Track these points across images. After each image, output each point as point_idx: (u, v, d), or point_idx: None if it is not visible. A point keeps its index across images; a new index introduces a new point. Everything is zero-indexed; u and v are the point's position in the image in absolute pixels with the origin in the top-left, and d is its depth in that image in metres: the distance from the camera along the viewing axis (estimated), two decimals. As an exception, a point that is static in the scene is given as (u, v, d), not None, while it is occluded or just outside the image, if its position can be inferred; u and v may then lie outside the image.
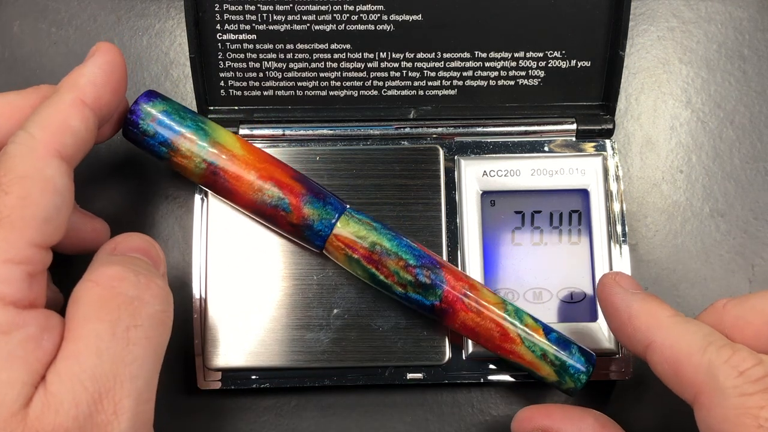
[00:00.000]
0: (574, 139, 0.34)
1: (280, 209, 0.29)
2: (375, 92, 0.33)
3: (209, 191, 0.31)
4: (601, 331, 0.31)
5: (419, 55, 0.33)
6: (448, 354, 0.31)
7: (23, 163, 0.24)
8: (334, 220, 0.29)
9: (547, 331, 0.29)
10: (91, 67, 0.27)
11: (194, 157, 0.29)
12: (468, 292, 0.29)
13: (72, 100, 0.26)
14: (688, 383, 0.24)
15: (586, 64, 0.33)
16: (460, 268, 0.32)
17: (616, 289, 0.27)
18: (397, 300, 0.30)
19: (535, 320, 0.30)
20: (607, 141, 0.34)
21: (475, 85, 0.33)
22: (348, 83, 0.33)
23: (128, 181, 0.34)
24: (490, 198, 0.33)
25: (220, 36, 0.32)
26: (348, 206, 0.30)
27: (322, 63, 0.33)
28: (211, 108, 0.33)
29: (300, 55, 0.33)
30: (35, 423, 0.22)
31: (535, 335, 0.29)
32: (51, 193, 0.24)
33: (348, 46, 0.33)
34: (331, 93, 0.33)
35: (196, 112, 0.30)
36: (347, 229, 0.29)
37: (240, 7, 0.32)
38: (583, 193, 0.33)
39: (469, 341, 0.31)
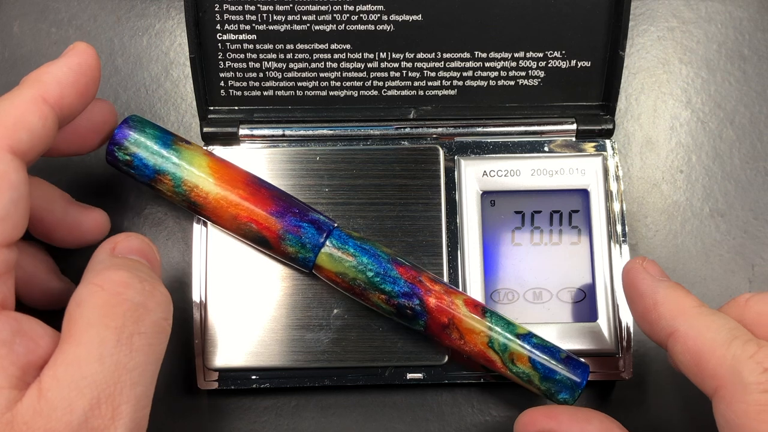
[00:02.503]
0: (574, 139, 0.34)
1: (263, 244, 0.30)
2: (375, 92, 0.33)
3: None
4: (601, 331, 0.31)
5: (419, 55, 0.33)
6: (448, 354, 0.31)
7: None
8: (312, 257, 0.30)
9: (534, 356, 0.29)
10: (60, 66, 0.27)
11: (174, 195, 0.30)
12: (452, 320, 0.29)
13: (32, 96, 0.25)
14: (710, 376, 0.24)
15: (586, 64, 0.33)
16: (460, 269, 0.32)
17: (643, 274, 0.27)
18: None
19: (522, 341, 0.29)
20: (607, 141, 0.34)
21: (475, 85, 0.33)
22: (348, 83, 0.33)
23: (127, 180, 0.34)
24: (490, 198, 0.33)
25: (220, 36, 0.32)
26: (335, 225, 0.30)
27: (322, 63, 0.33)
28: (211, 108, 0.33)
29: (300, 55, 0.33)
30: (23, 427, 0.21)
31: (519, 365, 0.29)
32: (6, 189, 0.24)
33: (348, 46, 0.33)
34: (331, 93, 0.33)
35: (170, 141, 0.30)
36: (327, 265, 0.30)
37: (240, 7, 0.32)
38: (583, 193, 0.33)
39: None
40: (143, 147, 0.30)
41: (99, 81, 0.28)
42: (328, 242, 0.30)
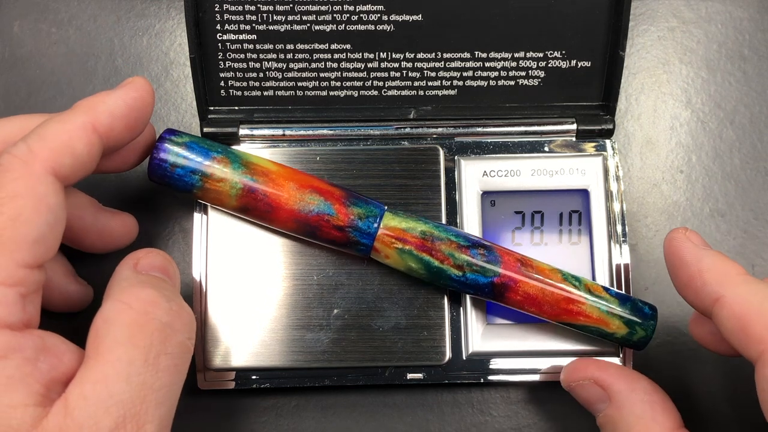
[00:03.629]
0: (574, 139, 0.34)
1: (325, 214, 0.30)
2: (375, 92, 0.33)
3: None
4: (601, 331, 0.31)
5: (419, 55, 0.33)
6: (448, 354, 0.31)
7: (16, 180, 0.24)
8: (379, 217, 0.30)
9: (606, 288, 0.30)
10: (115, 97, 0.27)
11: (229, 180, 0.29)
12: (523, 264, 0.30)
13: (83, 123, 0.26)
14: (756, 339, 0.24)
15: (586, 64, 0.33)
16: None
17: (687, 243, 0.27)
18: (453, 288, 0.30)
19: (592, 281, 0.30)
20: (607, 141, 0.34)
21: (475, 85, 0.33)
22: (348, 83, 0.33)
23: (120, 178, 0.34)
24: (490, 198, 0.33)
25: (220, 36, 0.32)
26: (385, 206, 0.31)
27: (322, 63, 0.33)
28: (211, 108, 0.33)
29: (300, 55, 0.33)
30: None
31: (597, 293, 0.30)
32: (44, 212, 0.24)
33: (348, 46, 0.33)
34: (331, 93, 0.33)
35: (218, 143, 0.31)
36: (394, 222, 0.30)
37: (240, 7, 0.32)
38: (584, 193, 0.33)
39: (470, 341, 0.31)
40: (191, 142, 0.30)
41: (150, 116, 0.28)
42: (388, 209, 0.30)
